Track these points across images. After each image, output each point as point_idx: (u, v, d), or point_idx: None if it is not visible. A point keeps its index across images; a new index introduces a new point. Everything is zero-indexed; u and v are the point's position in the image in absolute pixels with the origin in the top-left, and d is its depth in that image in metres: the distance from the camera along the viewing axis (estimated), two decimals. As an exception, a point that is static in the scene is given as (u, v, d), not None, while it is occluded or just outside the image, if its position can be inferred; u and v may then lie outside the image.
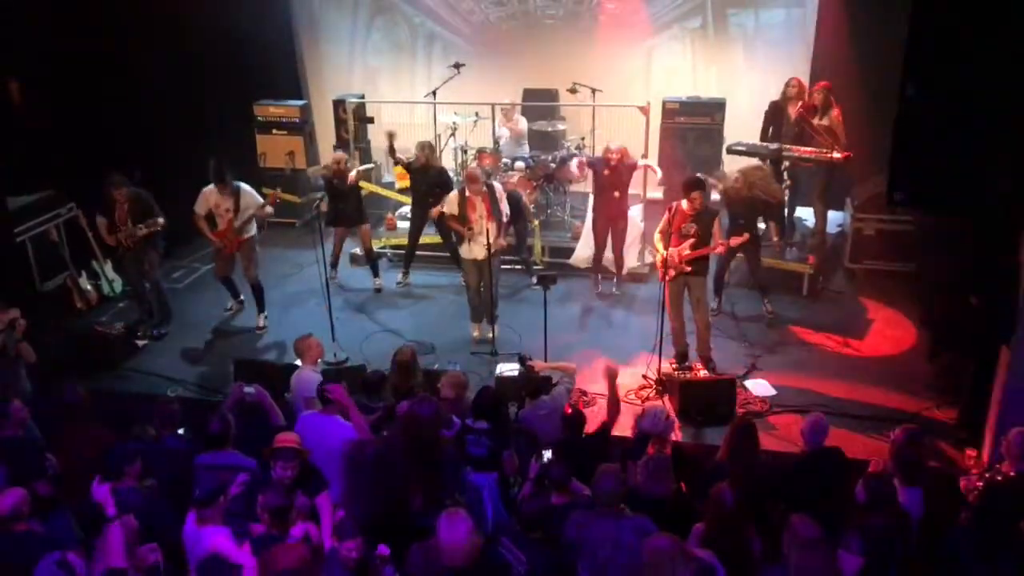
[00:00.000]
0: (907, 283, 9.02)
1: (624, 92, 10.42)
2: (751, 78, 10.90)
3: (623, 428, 6.26)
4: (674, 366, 7.53)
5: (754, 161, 8.97)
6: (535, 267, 9.52)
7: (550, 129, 10.79)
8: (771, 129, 9.41)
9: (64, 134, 9.15)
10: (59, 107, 9.13)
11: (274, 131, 11.25)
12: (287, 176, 11.00)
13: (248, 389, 6.20)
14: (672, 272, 7.39)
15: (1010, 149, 3.90)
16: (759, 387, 7.39)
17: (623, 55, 11.40)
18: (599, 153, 9.26)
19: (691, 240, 7.28)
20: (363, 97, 11.59)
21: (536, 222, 9.87)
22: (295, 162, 11.12)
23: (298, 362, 6.74)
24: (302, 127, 11.25)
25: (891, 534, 4.44)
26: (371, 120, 11.33)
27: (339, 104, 11.30)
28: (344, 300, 9.29)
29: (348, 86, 12.17)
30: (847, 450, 5.61)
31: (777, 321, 8.53)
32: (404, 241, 9.99)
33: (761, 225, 9.81)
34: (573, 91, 10.06)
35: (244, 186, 8.47)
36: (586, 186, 10.46)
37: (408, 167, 9.35)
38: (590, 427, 5.85)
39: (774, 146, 9.14)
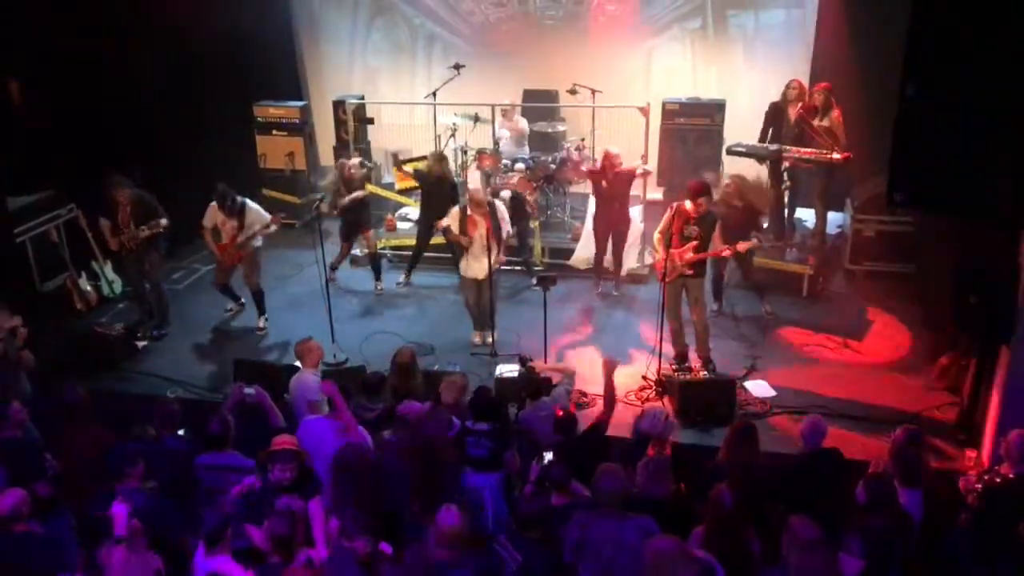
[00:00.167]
0: (907, 284, 9.02)
1: (624, 93, 10.41)
2: (751, 79, 10.89)
3: (623, 429, 6.27)
4: (674, 367, 7.52)
5: (745, 163, 9.01)
6: (535, 268, 9.52)
7: (550, 130, 10.79)
8: (771, 130, 9.41)
9: (64, 134, 9.14)
10: (59, 107, 9.12)
11: (274, 132, 11.24)
12: (287, 177, 11.01)
13: (248, 390, 6.21)
14: (672, 274, 7.38)
15: (1010, 149, 3.90)
16: (759, 388, 7.38)
17: (623, 56, 11.40)
18: (599, 154, 9.29)
19: (694, 243, 7.27)
20: (363, 98, 11.58)
21: (536, 223, 9.87)
22: (295, 163, 11.11)
23: (298, 364, 6.73)
24: (302, 128, 11.23)
25: (891, 536, 4.44)
26: (371, 121, 11.32)
27: (339, 105, 11.28)
28: (344, 301, 9.28)
29: (348, 87, 12.16)
30: (846, 451, 5.60)
31: (776, 322, 8.53)
32: (403, 242, 10.02)
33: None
34: (573, 92, 10.05)
35: (250, 204, 8.52)
36: (586, 187, 10.47)
37: (424, 178, 9.37)
38: (587, 423, 5.86)
39: (774, 147, 9.14)
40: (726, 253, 7.62)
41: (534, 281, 9.10)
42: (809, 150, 8.85)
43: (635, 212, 9.56)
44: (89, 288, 9.32)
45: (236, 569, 4.44)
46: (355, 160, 9.65)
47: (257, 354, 8.18)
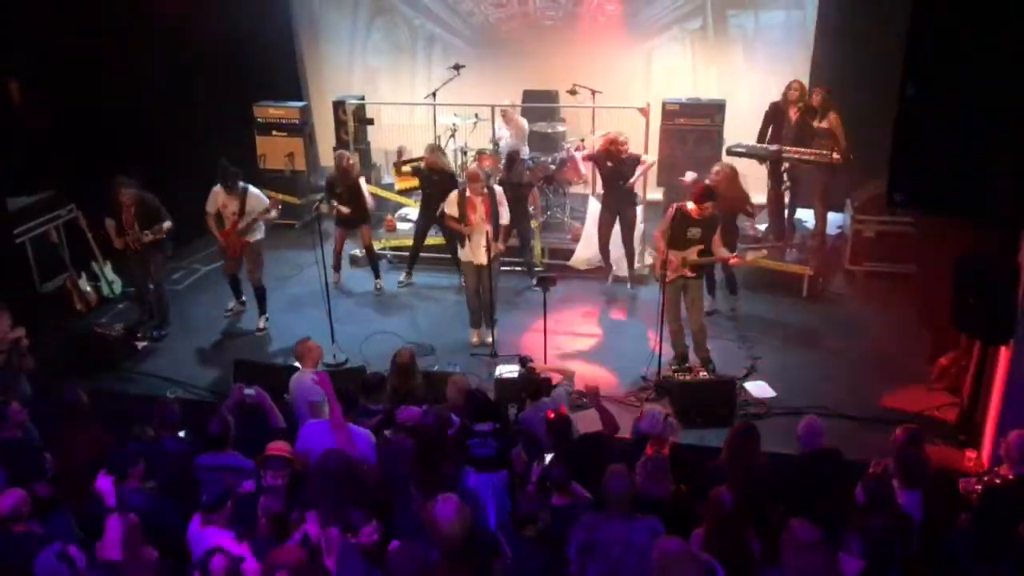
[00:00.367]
0: (907, 284, 9.01)
1: (624, 93, 10.42)
2: (751, 79, 10.90)
3: (623, 430, 6.27)
4: (673, 368, 7.52)
5: (746, 164, 9.00)
6: (535, 269, 9.52)
7: (550, 130, 10.79)
8: (770, 130, 9.41)
9: (64, 134, 9.15)
10: (59, 107, 9.13)
11: (274, 132, 11.24)
12: (286, 177, 11.01)
13: (248, 391, 6.20)
14: (671, 274, 7.38)
15: (1010, 149, 3.89)
16: (759, 388, 7.38)
17: (623, 56, 11.40)
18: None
19: (699, 247, 7.27)
20: (363, 98, 11.58)
21: (536, 224, 9.87)
22: (295, 163, 11.12)
23: (297, 364, 6.73)
24: (302, 128, 11.24)
25: (891, 536, 4.43)
26: (371, 121, 11.33)
27: (339, 105, 11.29)
28: (344, 301, 9.29)
29: (348, 87, 12.17)
30: (846, 451, 5.59)
31: (776, 322, 8.55)
32: (404, 243, 10.01)
33: (761, 226, 9.88)
34: (573, 92, 10.06)
35: (252, 188, 8.53)
36: (586, 187, 10.48)
37: (422, 174, 9.39)
38: (586, 430, 5.85)
39: (774, 147, 9.14)
40: (733, 261, 7.62)
41: (534, 282, 9.10)
42: (809, 151, 8.85)
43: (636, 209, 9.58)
44: (89, 289, 9.32)
45: (232, 543, 4.44)
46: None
47: (257, 355, 8.17)
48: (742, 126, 9.94)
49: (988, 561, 4.39)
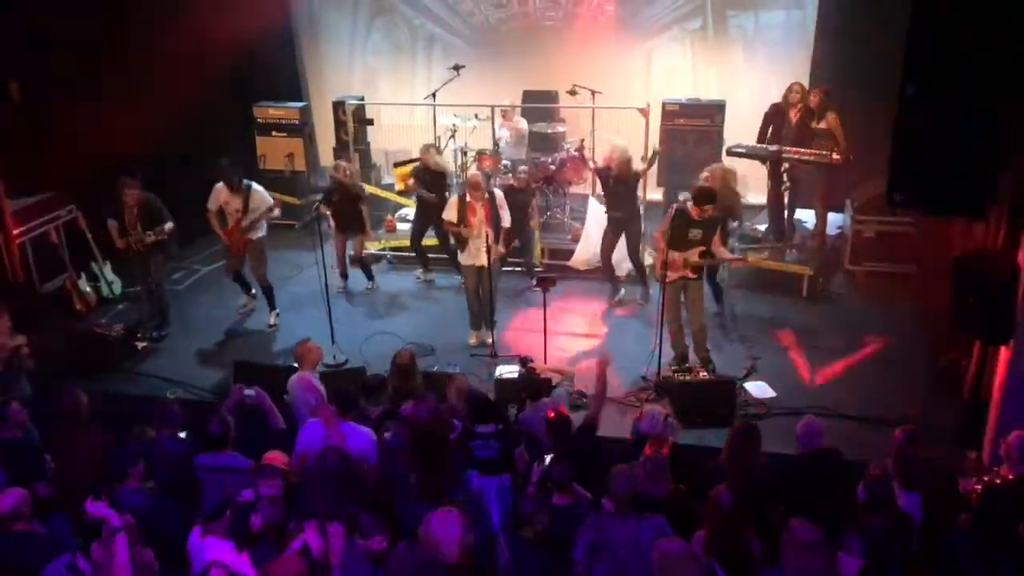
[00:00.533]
0: (907, 284, 9.01)
1: (624, 94, 10.42)
2: (751, 79, 10.90)
3: (623, 430, 6.27)
4: (673, 368, 7.51)
5: (745, 164, 8.98)
6: (535, 269, 9.52)
7: (550, 131, 10.79)
8: (771, 130, 9.40)
9: (64, 134, 9.14)
10: (59, 107, 9.12)
11: (273, 133, 11.25)
12: (286, 178, 11.00)
13: (248, 391, 6.20)
14: (672, 275, 7.38)
15: (1010, 149, 3.90)
16: (758, 389, 7.38)
17: (623, 57, 11.39)
18: (599, 154, 9.29)
19: (700, 248, 7.26)
20: (363, 99, 11.58)
21: (536, 224, 9.86)
22: (294, 164, 11.12)
23: (297, 365, 6.73)
24: (302, 129, 11.25)
25: (891, 536, 4.43)
26: (371, 122, 11.33)
27: (339, 106, 11.29)
28: (344, 302, 9.29)
29: (348, 88, 12.17)
30: (846, 451, 5.59)
31: (777, 322, 8.55)
32: (404, 243, 10.03)
33: (761, 226, 9.88)
34: (573, 93, 10.05)
35: (255, 186, 8.58)
36: (586, 188, 10.48)
37: (421, 176, 9.42)
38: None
39: (774, 148, 9.14)
40: (737, 264, 7.61)
41: (534, 282, 9.10)
42: (809, 151, 8.85)
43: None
44: (88, 289, 9.32)
45: (231, 553, 4.44)
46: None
47: (257, 355, 8.17)
48: (742, 126, 9.93)
49: (988, 561, 4.39)
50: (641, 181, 9.22)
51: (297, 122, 11.21)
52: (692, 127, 10.25)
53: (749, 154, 9.34)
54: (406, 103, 11.59)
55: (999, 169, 4.02)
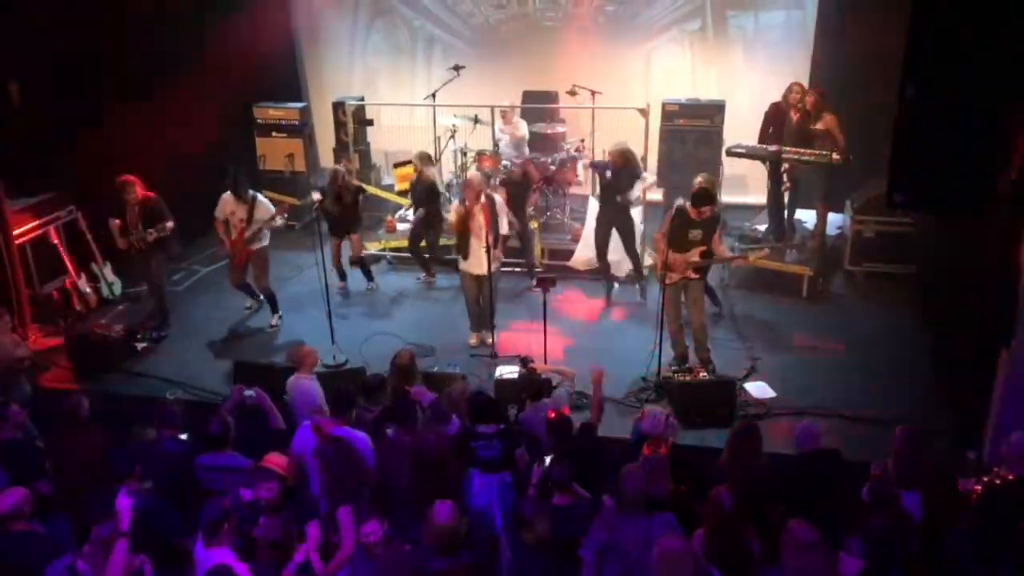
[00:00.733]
0: (907, 284, 9.01)
1: (623, 94, 10.41)
2: (751, 80, 10.90)
3: (623, 430, 6.27)
4: (673, 368, 7.51)
5: (745, 164, 8.97)
6: (535, 269, 9.52)
7: (549, 131, 10.79)
8: (771, 129, 9.41)
9: (64, 135, 9.14)
10: (59, 107, 9.12)
11: (273, 134, 11.25)
12: (286, 178, 10.99)
13: (248, 392, 6.21)
14: (673, 276, 7.37)
15: (1010, 149, 3.90)
16: (758, 389, 7.38)
17: (622, 57, 11.40)
18: (599, 155, 9.29)
19: (701, 248, 7.26)
20: (363, 99, 11.58)
21: (536, 224, 9.87)
22: (294, 165, 11.10)
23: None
24: (301, 129, 11.25)
25: (891, 536, 4.43)
26: (370, 122, 11.34)
27: (339, 106, 11.30)
28: (344, 302, 9.29)
29: (348, 88, 12.17)
30: (846, 451, 5.59)
31: (777, 323, 8.56)
32: (403, 243, 10.04)
33: (761, 226, 9.88)
34: (572, 93, 10.05)
35: (261, 197, 8.62)
36: (585, 188, 10.48)
37: (415, 190, 9.49)
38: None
39: (773, 148, 9.14)
40: (738, 263, 7.59)
41: (534, 282, 9.10)
42: (808, 151, 8.85)
43: (635, 213, 9.56)
44: (88, 290, 9.32)
45: (236, 562, 4.44)
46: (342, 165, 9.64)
47: (257, 356, 8.17)
48: (742, 127, 9.93)
49: (988, 561, 4.39)
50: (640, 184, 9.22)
51: (297, 123, 11.21)
52: (692, 127, 10.26)
53: (749, 154, 9.34)
54: (406, 104, 11.59)
55: (999, 169, 4.01)
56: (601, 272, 9.18)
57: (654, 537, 4.34)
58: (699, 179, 8.25)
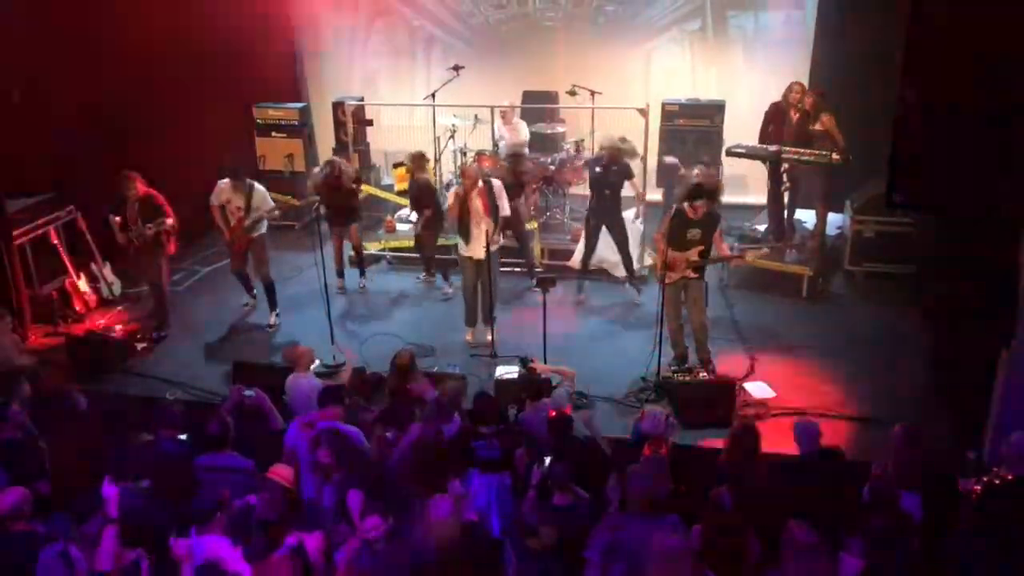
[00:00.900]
0: (907, 285, 9.01)
1: (623, 94, 10.41)
2: (751, 80, 10.90)
3: (623, 430, 6.27)
4: (673, 368, 7.51)
5: (745, 164, 8.97)
6: (535, 270, 9.51)
7: (549, 131, 10.79)
8: (771, 129, 9.40)
9: (64, 136, 9.14)
10: (59, 108, 9.12)
11: (273, 134, 11.26)
12: (286, 178, 11.00)
13: (248, 392, 6.21)
14: (673, 275, 7.37)
15: (1010, 149, 3.89)
16: (758, 389, 7.38)
17: (622, 57, 11.40)
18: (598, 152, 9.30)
19: (699, 247, 7.25)
20: (362, 99, 11.58)
21: (535, 224, 9.87)
22: (294, 164, 11.12)
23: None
24: (301, 129, 11.25)
25: (891, 536, 4.43)
26: (370, 122, 11.34)
27: (338, 106, 11.29)
28: (344, 302, 9.29)
29: (347, 88, 12.17)
30: (846, 452, 5.60)
31: (776, 323, 8.55)
32: (403, 243, 10.05)
33: (761, 227, 9.88)
34: (572, 93, 10.05)
35: (258, 186, 8.63)
36: (585, 188, 10.47)
37: (412, 191, 9.47)
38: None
39: (773, 148, 9.14)
40: (736, 262, 7.59)
41: (534, 282, 9.09)
42: (809, 151, 8.85)
43: (627, 214, 9.57)
44: (88, 290, 9.32)
45: (227, 549, 4.43)
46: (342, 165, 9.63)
47: (257, 356, 8.17)
48: (742, 127, 9.93)
49: (988, 561, 4.39)
50: (639, 181, 9.21)
51: (297, 123, 11.21)
52: (692, 127, 10.27)
53: (749, 154, 9.34)
54: (406, 104, 11.59)
55: (999, 169, 4.01)
56: (582, 268, 9.15)
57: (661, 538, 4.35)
58: (696, 171, 8.25)
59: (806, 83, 9.70)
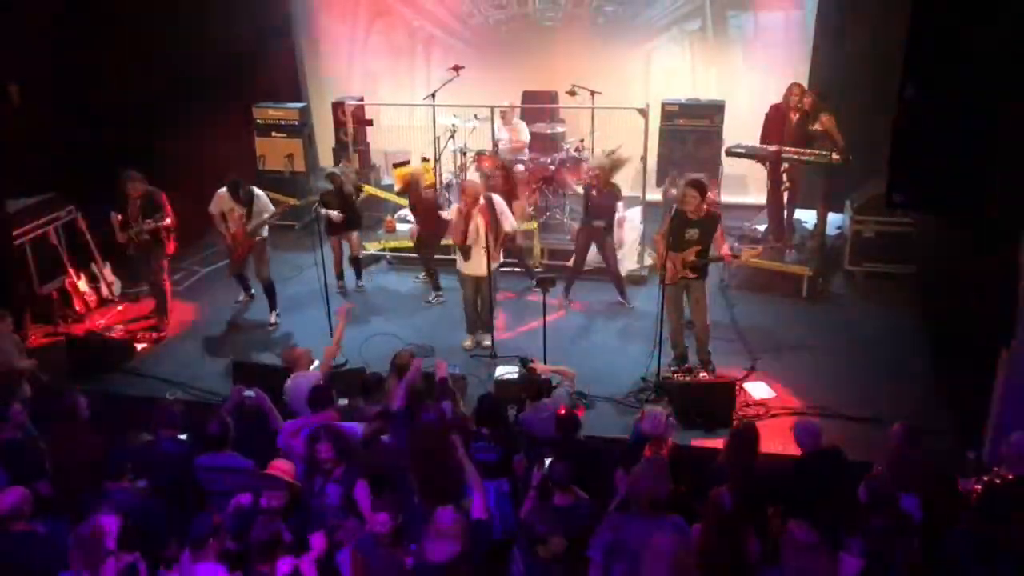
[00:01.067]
0: (907, 285, 9.01)
1: (623, 94, 10.41)
2: (750, 80, 10.90)
3: (623, 430, 6.27)
4: (672, 368, 7.51)
5: (744, 164, 8.96)
6: (535, 270, 9.51)
7: (549, 131, 10.78)
8: (771, 130, 9.40)
9: (64, 135, 9.15)
10: (59, 108, 9.12)
11: (273, 134, 11.25)
12: (286, 179, 11.00)
13: (247, 392, 6.20)
14: (672, 275, 7.37)
15: (1010, 149, 3.89)
16: (758, 389, 7.38)
17: (622, 57, 11.40)
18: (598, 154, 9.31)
19: (696, 247, 7.25)
20: (362, 99, 11.58)
21: (535, 224, 9.87)
22: (294, 165, 11.11)
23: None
24: (301, 130, 11.25)
25: (891, 536, 4.43)
26: (370, 122, 11.34)
27: (338, 106, 11.30)
28: (343, 302, 9.27)
29: (347, 88, 12.17)
30: (846, 452, 5.59)
31: (777, 323, 8.56)
32: (403, 243, 10.05)
33: (761, 227, 9.88)
34: (572, 93, 10.05)
35: (258, 192, 8.66)
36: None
37: (414, 207, 9.42)
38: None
39: (773, 148, 9.14)
40: (733, 262, 7.58)
41: (534, 283, 9.09)
42: (808, 151, 8.85)
43: (634, 213, 9.57)
44: (88, 290, 9.32)
45: (222, 573, 4.42)
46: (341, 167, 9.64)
47: (257, 356, 8.17)
48: (742, 127, 9.93)
49: (988, 561, 4.39)
50: (639, 181, 9.21)
51: (296, 123, 11.21)
52: (692, 127, 10.26)
53: (749, 154, 9.34)
54: (405, 104, 11.58)
55: (999, 169, 4.00)
56: (569, 273, 9.08)
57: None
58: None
59: (806, 83, 9.71)
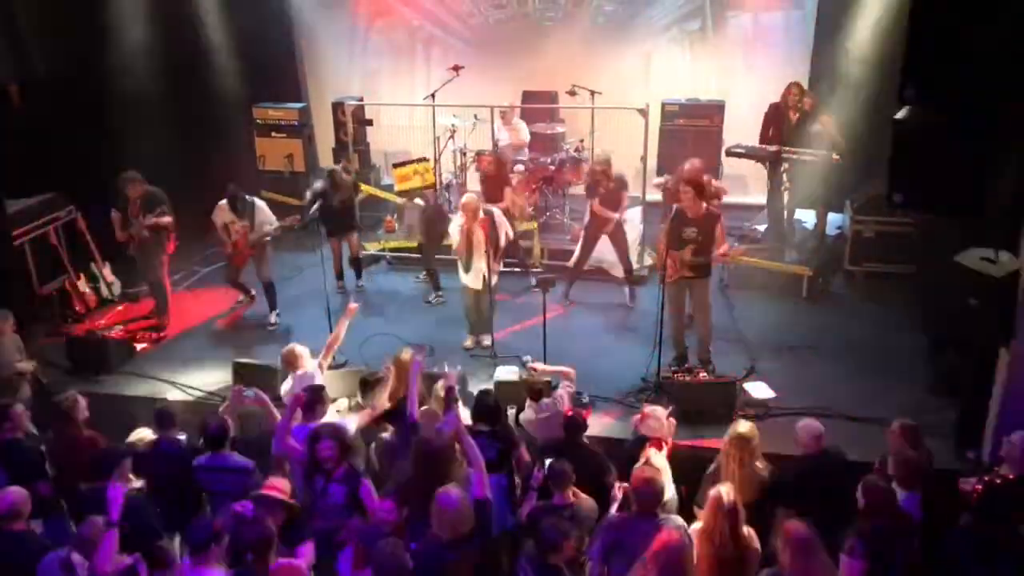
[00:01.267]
0: (907, 285, 9.01)
1: (623, 94, 10.41)
2: (750, 80, 10.89)
3: (623, 430, 6.26)
4: (673, 368, 7.51)
5: (744, 164, 8.96)
6: (534, 270, 9.51)
7: (549, 131, 10.78)
8: (771, 130, 9.40)
9: (64, 136, 9.15)
10: (59, 108, 9.12)
11: (273, 134, 11.24)
12: (286, 179, 11.00)
13: (247, 392, 6.20)
14: (672, 274, 7.36)
15: (1010, 150, 3.89)
16: (758, 389, 7.37)
17: (622, 57, 11.39)
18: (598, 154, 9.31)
19: (692, 246, 7.24)
20: (362, 99, 11.58)
21: (535, 224, 9.87)
22: (294, 165, 11.12)
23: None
24: (301, 130, 11.25)
25: (892, 536, 4.43)
26: (370, 122, 11.34)
27: (338, 106, 11.30)
28: (343, 302, 9.27)
29: (347, 88, 12.16)
30: (847, 452, 5.59)
31: (776, 323, 8.55)
32: (403, 243, 10.04)
33: (760, 227, 9.88)
34: (572, 93, 10.05)
35: (259, 203, 8.67)
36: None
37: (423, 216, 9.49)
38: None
39: (773, 148, 9.14)
40: (724, 260, 7.60)
41: (533, 283, 9.09)
42: (809, 151, 8.85)
43: (635, 213, 9.57)
44: (88, 290, 9.32)
45: None
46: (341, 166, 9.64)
47: (256, 356, 8.16)
48: (742, 126, 9.93)
49: (988, 561, 4.39)
50: (639, 181, 9.21)
51: (296, 123, 11.21)
52: (692, 127, 10.26)
53: (749, 154, 9.34)
54: (405, 104, 11.58)
55: (999, 169, 4.00)
56: (574, 269, 9.13)
57: None
58: (688, 165, 8.28)
59: (806, 83, 9.71)
